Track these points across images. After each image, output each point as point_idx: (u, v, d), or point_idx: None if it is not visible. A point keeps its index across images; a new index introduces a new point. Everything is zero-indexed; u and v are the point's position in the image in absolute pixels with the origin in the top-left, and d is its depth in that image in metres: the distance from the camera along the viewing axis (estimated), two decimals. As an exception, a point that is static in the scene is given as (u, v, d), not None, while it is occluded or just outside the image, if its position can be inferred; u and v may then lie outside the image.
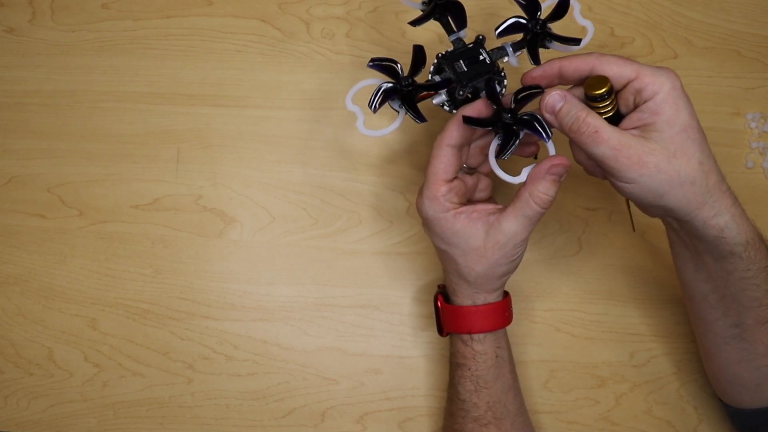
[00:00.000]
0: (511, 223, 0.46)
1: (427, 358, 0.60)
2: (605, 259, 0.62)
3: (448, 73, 0.48)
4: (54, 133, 0.64)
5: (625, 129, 0.43)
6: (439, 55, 0.49)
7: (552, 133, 0.45)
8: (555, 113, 0.44)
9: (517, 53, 0.49)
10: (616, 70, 0.43)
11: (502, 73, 0.48)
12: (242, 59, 0.65)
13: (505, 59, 0.49)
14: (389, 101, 0.48)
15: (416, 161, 0.63)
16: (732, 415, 0.54)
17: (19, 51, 0.65)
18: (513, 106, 0.45)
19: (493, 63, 0.48)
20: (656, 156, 0.42)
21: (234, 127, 0.64)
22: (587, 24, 0.49)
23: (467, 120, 0.45)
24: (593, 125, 0.43)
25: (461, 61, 0.48)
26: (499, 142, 0.46)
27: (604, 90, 0.43)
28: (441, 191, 0.47)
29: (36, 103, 0.64)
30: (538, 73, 0.46)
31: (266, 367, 0.60)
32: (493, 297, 0.50)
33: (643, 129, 0.43)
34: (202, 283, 0.61)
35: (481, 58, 0.48)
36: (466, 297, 0.50)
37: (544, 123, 0.45)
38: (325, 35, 0.66)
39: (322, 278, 0.61)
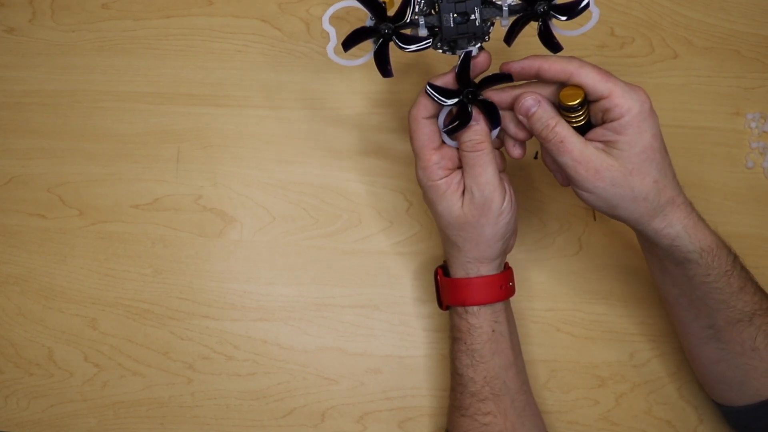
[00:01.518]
0: (469, 180, 0.48)
1: (427, 358, 0.60)
2: (605, 259, 0.62)
3: (434, 19, 0.45)
4: (54, 133, 0.64)
5: (591, 140, 0.45)
6: None
7: (500, 124, 0.48)
8: (528, 116, 0.46)
9: (511, 18, 0.46)
10: (591, 84, 0.44)
11: (486, 38, 0.46)
12: (242, 59, 0.65)
13: (497, 19, 0.46)
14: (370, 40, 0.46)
15: (416, 161, 0.63)
16: (725, 414, 0.55)
17: (19, 51, 0.65)
18: (477, 83, 0.46)
19: (483, 23, 0.45)
20: (613, 172, 0.44)
21: (234, 127, 0.64)
22: (595, 12, 0.46)
23: (431, 88, 0.46)
24: (560, 135, 0.45)
25: (451, 15, 0.45)
26: (451, 119, 0.47)
27: (576, 102, 0.45)
28: (433, 160, 0.49)
29: (36, 102, 0.64)
30: (516, 69, 0.46)
31: (266, 367, 0.60)
32: (488, 269, 0.51)
33: (607, 144, 0.45)
34: (202, 282, 0.61)
35: (473, 17, 0.45)
36: (459, 268, 0.51)
37: (498, 114, 0.47)
38: (325, 35, 0.65)
39: (322, 278, 0.61)
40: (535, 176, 0.63)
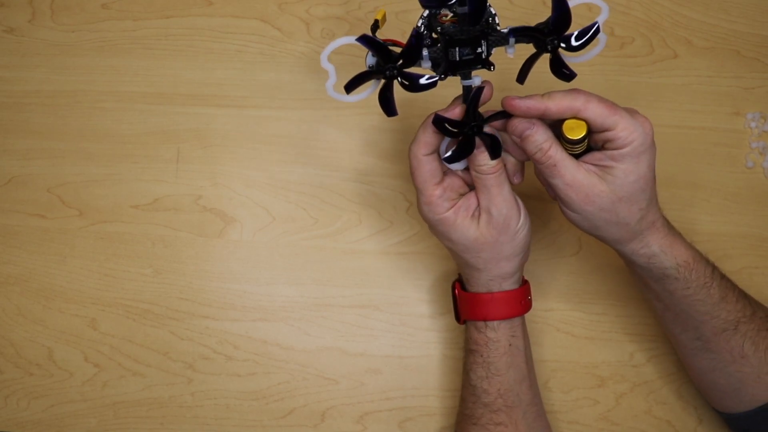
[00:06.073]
0: (485, 201, 0.48)
1: (427, 359, 0.60)
2: (605, 259, 0.62)
3: (438, 52, 0.43)
4: (54, 133, 0.64)
5: (586, 162, 0.45)
6: (439, 28, 0.43)
7: (500, 155, 0.47)
8: (521, 137, 0.45)
9: (517, 45, 0.45)
10: (598, 119, 0.43)
11: (492, 68, 0.45)
12: (242, 59, 0.65)
13: (503, 47, 0.45)
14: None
15: (416, 161, 0.63)
16: (726, 421, 0.55)
17: (19, 51, 0.65)
18: (483, 117, 0.45)
19: (488, 57, 0.44)
20: (602, 198, 0.45)
21: (234, 127, 0.64)
22: (602, 38, 0.45)
23: (438, 121, 0.44)
24: (553, 159, 0.45)
25: (457, 49, 0.43)
26: (454, 148, 0.46)
27: (580, 136, 0.44)
28: (436, 194, 0.48)
29: (36, 103, 0.64)
30: (521, 111, 0.44)
31: (266, 367, 0.60)
32: (509, 284, 0.51)
33: (602, 169, 0.45)
34: (202, 283, 0.61)
35: (479, 51, 0.43)
36: (481, 285, 0.51)
37: (500, 147, 0.46)
38: (325, 35, 0.66)
39: (322, 278, 0.61)
40: (535, 176, 0.63)
